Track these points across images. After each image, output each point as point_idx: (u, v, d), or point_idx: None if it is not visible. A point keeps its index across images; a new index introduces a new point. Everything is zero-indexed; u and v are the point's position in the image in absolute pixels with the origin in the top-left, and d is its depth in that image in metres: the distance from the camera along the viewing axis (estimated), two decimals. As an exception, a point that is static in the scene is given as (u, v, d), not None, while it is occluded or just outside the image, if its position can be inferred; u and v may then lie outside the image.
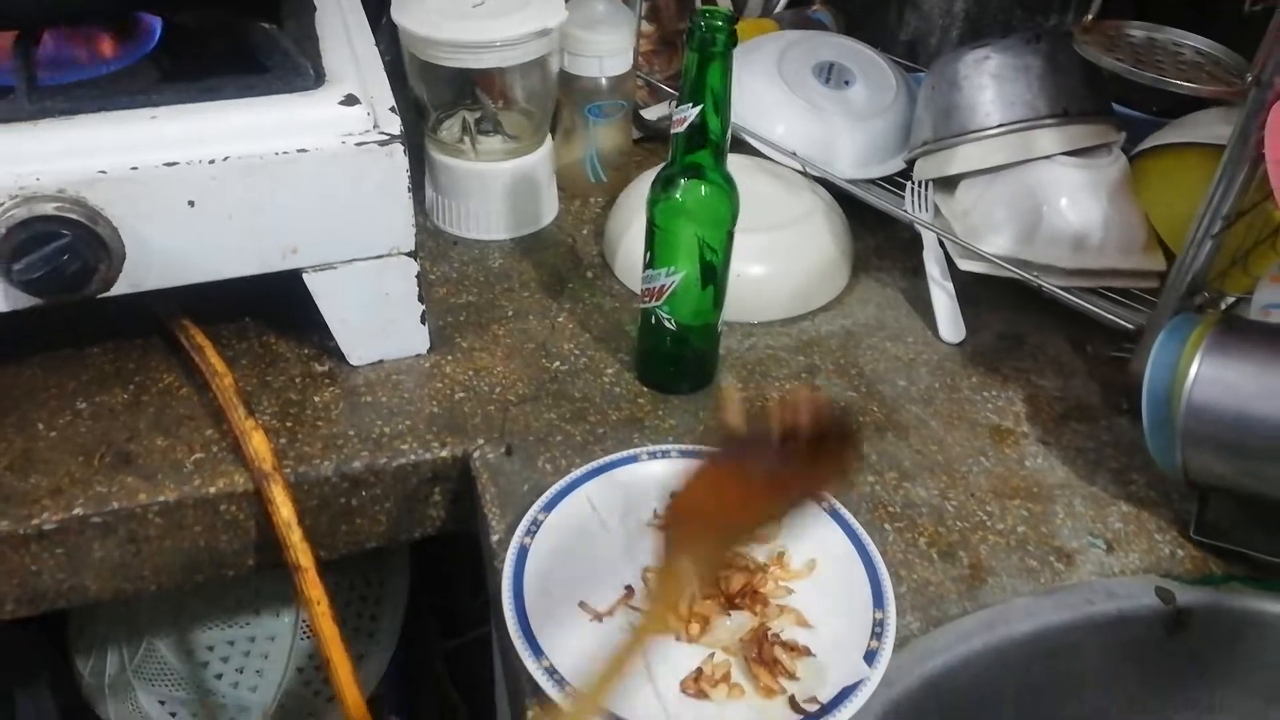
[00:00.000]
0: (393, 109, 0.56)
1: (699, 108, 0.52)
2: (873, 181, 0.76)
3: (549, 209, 0.77)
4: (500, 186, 0.73)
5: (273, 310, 0.62)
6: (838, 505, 0.51)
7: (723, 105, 0.53)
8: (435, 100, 0.74)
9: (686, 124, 0.53)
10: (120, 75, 0.57)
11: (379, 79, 0.59)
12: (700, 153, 0.54)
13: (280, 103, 0.54)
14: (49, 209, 0.48)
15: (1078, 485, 0.57)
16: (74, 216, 0.49)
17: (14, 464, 0.52)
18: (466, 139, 0.73)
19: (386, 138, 0.54)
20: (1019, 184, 0.68)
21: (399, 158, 0.54)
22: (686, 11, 0.93)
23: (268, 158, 0.52)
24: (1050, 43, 0.69)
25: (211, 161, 0.51)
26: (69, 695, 0.80)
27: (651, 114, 0.87)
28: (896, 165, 0.78)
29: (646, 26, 0.88)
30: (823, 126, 0.77)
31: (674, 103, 0.86)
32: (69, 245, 0.49)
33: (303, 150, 0.52)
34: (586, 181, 0.80)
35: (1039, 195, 0.67)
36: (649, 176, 0.75)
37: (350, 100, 0.55)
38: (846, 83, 0.80)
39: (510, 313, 0.67)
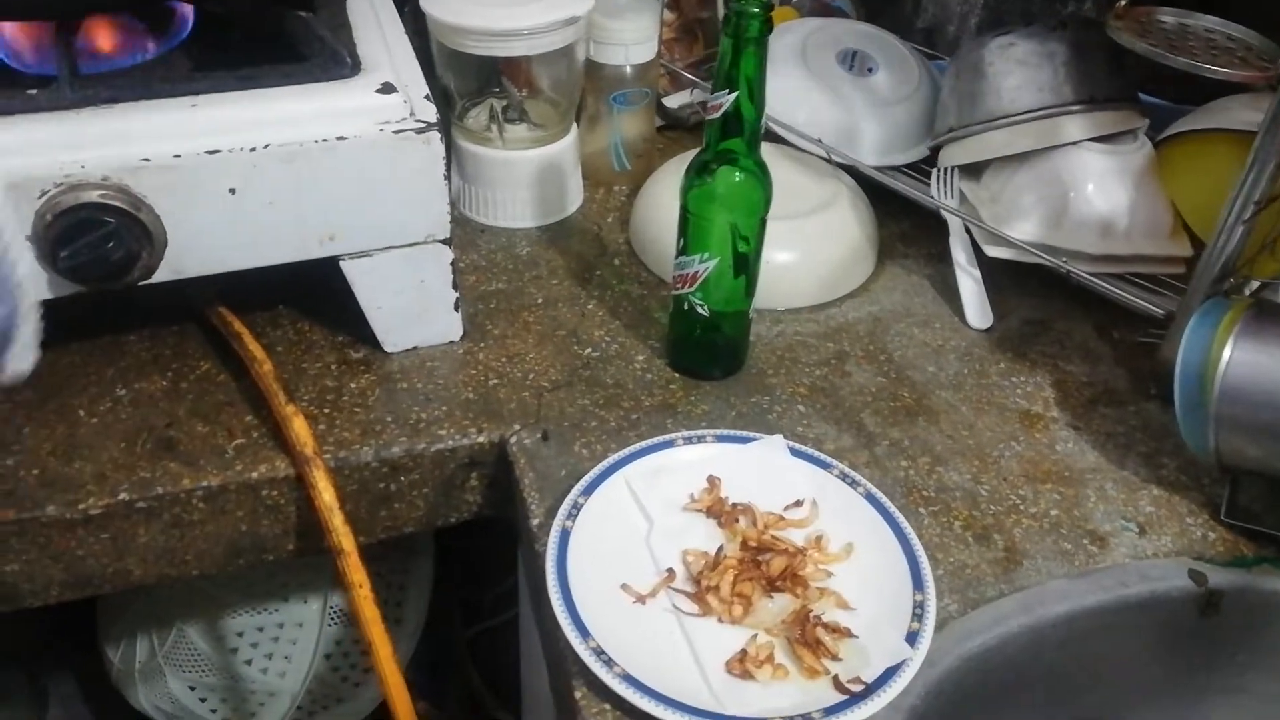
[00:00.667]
0: (428, 97, 0.56)
1: (734, 94, 0.53)
2: (897, 168, 0.77)
3: (575, 197, 0.77)
4: (527, 174, 0.73)
5: (306, 298, 0.63)
6: (874, 490, 0.52)
7: (757, 92, 0.53)
8: (462, 88, 0.74)
9: (721, 111, 0.53)
10: (157, 64, 0.57)
11: (412, 66, 0.59)
12: (734, 139, 0.55)
13: (319, 90, 0.54)
14: (93, 196, 0.48)
15: (1108, 469, 0.57)
16: (118, 204, 0.49)
17: (57, 449, 0.53)
18: (494, 127, 0.73)
19: (424, 125, 0.54)
20: (1045, 170, 0.68)
21: (436, 145, 0.55)
22: (707, -1, 0.93)
23: (307, 145, 0.52)
24: (1075, 29, 0.69)
25: (252, 149, 0.51)
26: (99, 682, 0.81)
27: (673, 102, 0.87)
28: (921, 152, 0.78)
29: (667, 14, 0.88)
30: (847, 113, 0.77)
31: (694, 91, 0.86)
32: (113, 232, 0.49)
33: (342, 138, 0.53)
34: (611, 169, 0.80)
35: (1065, 181, 0.67)
36: (673, 165, 0.76)
37: (387, 88, 0.55)
38: (870, 70, 0.80)
39: (540, 300, 0.67)
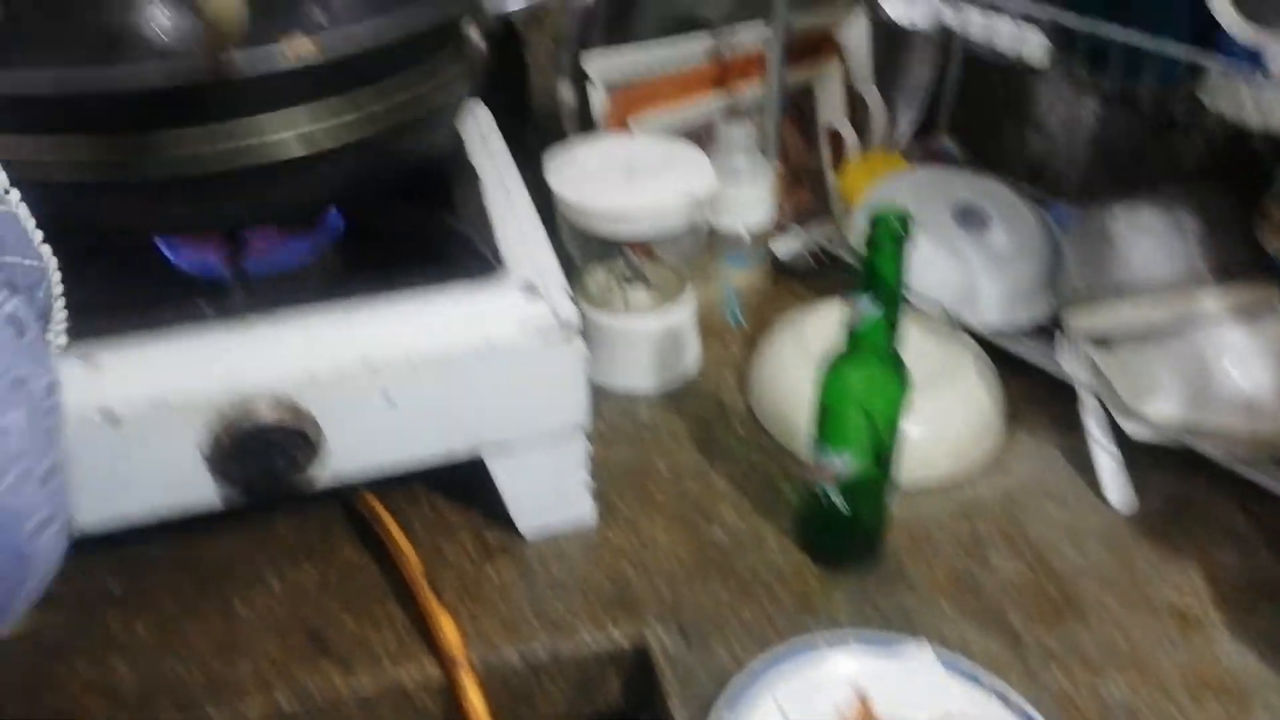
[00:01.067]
0: (568, 292, 0.58)
1: (875, 299, 0.53)
2: (1020, 330, 0.76)
3: (694, 359, 0.78)
4: (647, 338, 0.74)
5: (441, 476, 0.64)
6: (1032, 712, 0.50)
7: (896, 295, 0.54)
8: (584, 256, 0.76)
9: (861, 315, 0.54)
10: (315, 266, 0.60)
11: (549, 259, 0.61)
12: (873, 336, 0.55)
13: (467, 293, 0.56)
14: (266, 415, 0.51)
15: (1275, 679, 0.54)
16: (286, 419, 0.51)
17: (218, 648, 0.54)
18: (616, 292, 0.75)
19: (567, 327, 0.56)
20: (1181, 344, 0.67)
21: (578, 345, 0.56)
22: (811, 147, 0.95)
23: (458, 350, 0.54)
24: (1204, 194, 0.69)
25: (408, 357, 0.53)
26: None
27: (783, 250, 0.88)
28: (1042, 310, 0.77)
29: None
30: (965, 272, 0.77)
31: (802, 236, 0.87)
32: (279, 446, 0.51)
33: (490, 342, 0.54)
34: (724, 323, 0.81)
35: (1204, 357, 0.65)
36: (787, 322, 0.77)
37: (530, 288, 0.57)
38: (984, 224, 0.80)
39: (665, 472, 0.68)
